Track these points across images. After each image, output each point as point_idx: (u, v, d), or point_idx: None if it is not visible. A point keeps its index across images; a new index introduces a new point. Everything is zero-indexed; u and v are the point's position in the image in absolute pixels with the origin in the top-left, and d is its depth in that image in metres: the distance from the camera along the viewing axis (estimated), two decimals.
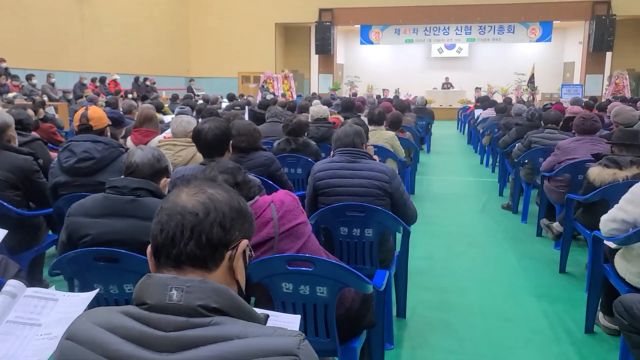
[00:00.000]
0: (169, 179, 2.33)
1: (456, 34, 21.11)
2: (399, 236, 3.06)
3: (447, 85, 21.53)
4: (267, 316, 1.05)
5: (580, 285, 3.90)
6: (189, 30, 21.71)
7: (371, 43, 21.89)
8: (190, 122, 3.81)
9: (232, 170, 1.79)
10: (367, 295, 2.18)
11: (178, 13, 21.09)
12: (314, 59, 22.07)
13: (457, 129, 16.34)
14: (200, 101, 10.10)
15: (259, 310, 1.04)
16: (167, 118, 6.85)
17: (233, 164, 1.84)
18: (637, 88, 19.31)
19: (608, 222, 2.78)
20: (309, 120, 5.17)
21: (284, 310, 1.98)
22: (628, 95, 16.65)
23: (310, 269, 1.91)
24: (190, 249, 0.99)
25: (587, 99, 11.20)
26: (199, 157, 3.22)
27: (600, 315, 3.19)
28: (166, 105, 9.37)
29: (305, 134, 4.58)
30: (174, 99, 11.37)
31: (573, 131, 4.76)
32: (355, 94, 16.39)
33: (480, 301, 3.65)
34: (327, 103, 7.71)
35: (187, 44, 21.75)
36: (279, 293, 1.97)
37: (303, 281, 1.94)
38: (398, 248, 3.14)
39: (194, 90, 17.49)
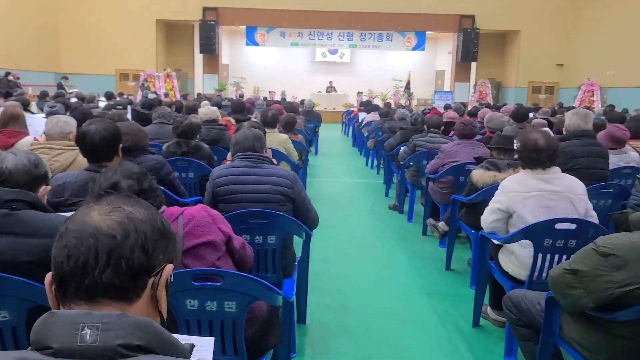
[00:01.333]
0: (48, 187, 2.06)
1: (339, 39, 21.74)
2: (297, 241, 3.03)
3: (331, 89, 22.08)
4: (193, 346, 0.94)
5: (464, 281, 4.15)
6: (58, 21, 19.96)
7: (257, 45, 21.78)
8: (68, 122, 3.46)
9: (137, 176, 1.61)
10: (273, 308, 2.11)
11: (47, 2, 19.30)
12: (198, 58, 21.45)
13: (342, 131, 16.81)
14: (74, 99, 9.30)
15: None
16: (35, 118, 6.19)
17: (139, 168, 1.66)
18: (498, 95, 21.32)
19: (487, 216, 3.00)
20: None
21: (188, 330, 1.85)
22: (490, 101, 18.30)
23: (218, 284, 1.79)
24: (106, 277, 0.84)
25: (456, 105, 12.11)
26: (81, 161, 2.93)
27: (487, 308, 3.41)
28: (33, 102, 8.50)
29: (197, 136, 4.38)
30: (43, 96, 10.37)
31: (452, 135, 5.08)
32: (242, 95, 16.18)
33: (375, 302, 3.74)
34: (218, 104, 7.49)
35: (57, 37, 19.98)
36: (183, 311, 1.83)
37: (210, 297, 1.81)
38: (298, 254, 3.11)
39: (65, 87, 16.10)
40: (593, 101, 16.74)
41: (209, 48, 20.13)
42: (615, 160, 4.54)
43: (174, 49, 21.89)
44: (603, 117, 7.42)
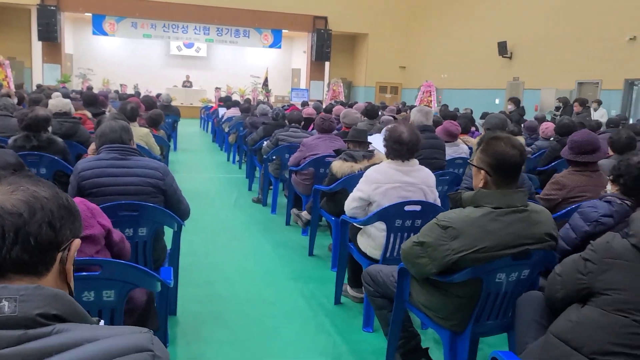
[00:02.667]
0: None
1: (195, 33, 21.29)
2: (167, 234, 3.05)
3: (187, 83, 21.54)
4: (99, 319, 1.00)
5: (326, 264, 4.46)
6: None
7: (105, 34, 20.44)
8: None
9: (14, 167, 1.55)
10: (150, 298, 2.15)
11: None
12: (37, 46, 19.50)
13: (201, 127, 16.54)
14: None
15: None
16: None
17: (15, 158, 1.59)
18: (349, 94, 22.61)
19: (350, 202, 3.29)
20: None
21: None
22: (343, 99, 19.36)
23: (95, 273, 1.80)
24: (15, 254, 0.88)
25: (313, 102, 12.65)
26: None
27: (347, 287, 3.73)
28: None
29: (49, 129, 4.11)
30: None
31: (311, 129, 5.37)
32: (90, 88, 15.10)
33: (244, 290, 3.88)
34: (65, 97, 6.97)
35: None
36: None
37: (87, 287, 1.81)
38: (168, 246, 3.13)
39: None
40: (430, 101, 18.56)
41: (49, 35, 18.44)
42: (450, 151, 5.20)
43: (7, 35, 19.66)
44: (438, 115, 8.34)
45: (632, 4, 12.29)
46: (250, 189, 7.40)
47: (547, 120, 8.70)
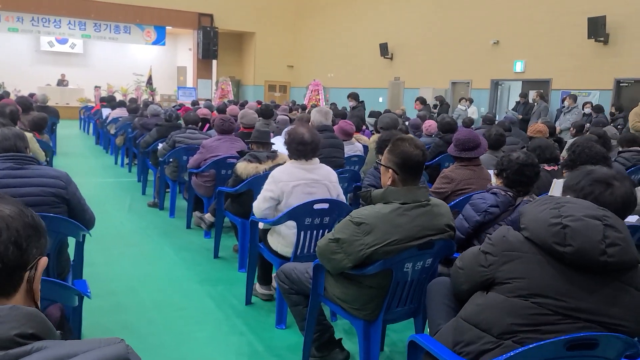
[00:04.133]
0: None
1: (69, 28, 19.82)
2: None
3: (63, 82, 20.03)
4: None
5: (233, 266, 4.47)
6: None
7: None
8: None
9: None
10: (63, 313, 2.06)
11: None
12: None
13: (81, 128, 15.50)
14: None
15: None
16: None
17: None
18: (238, 93, 22.46)
19: (260, 203, 3.35)
20: None
21: None
22: (232, 98, 19.21)
23: None
24: None
25: (204, 101, 12.44)
26: None
27: (257, 286, 3.79)
28: None
29: None
30: None
31: (206, 130, 5.32)
32: None
33: (150, 297, 3.78)
34: None
35: None
36: None
37: None
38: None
39: None
40: (319, 99, 19.06)
41: None
42: (346, 150, 5.44)
43: None
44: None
45: (496, 11, 13.59)
46: (144, 193, 7.13)
47: (428, 118, 9.36)
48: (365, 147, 5.88)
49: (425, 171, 5.90)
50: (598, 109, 10.34)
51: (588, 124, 8.82)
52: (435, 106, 13.72)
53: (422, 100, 12.08)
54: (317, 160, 3.37)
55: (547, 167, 3.77)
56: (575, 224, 1.56)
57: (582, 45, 11.47)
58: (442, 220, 2.45)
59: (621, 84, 11.30)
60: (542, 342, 1.46)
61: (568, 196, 1.79)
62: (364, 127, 7.86)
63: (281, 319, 3.38)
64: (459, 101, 13.61)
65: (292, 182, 3.25)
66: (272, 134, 4.71)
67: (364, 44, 18.09)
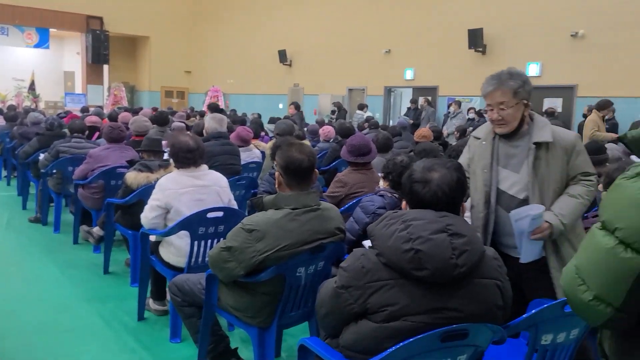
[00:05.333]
0: None
1: None
2: None
3: None
4: None
5: (125, 281, 4.26)
6: None
7: None
8: None
9: None
10: None
11: None
12: None
13: None
14: None
15: None
16: None
17: None
18: (133, 99, 21.50)
19: (147, 213, 3.23)
20: None
21: None
22: (126, 104, 18.35)
23: None
24: None
25: (93, 108, 11.76)
26: None
27: (150, 301, 3.64)
28: None
29: None
30: None
31: (96, 138, 5.04)
32: None
33: (34, 319, 3.50)
34: None
35: None
36: None
37: None
38: None
39: None
40: (219, 105, 18.76)
41: None
42: (243, 156, 5.41)
43: None
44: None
45: (387, 22, 14.23)
46: (25, 207, 6.59)
47: (326, 124, 9.58)
48: (264, 154, 5.87)
49: (322, 175, 6.05)
50: (480, 113, 11.17)
51: (471, 128, 9.48)
52: (333, 112, 14.06)
53: (296, 106, 12.30)
54: (205, 166, 3.33)
55: None
56: (425, 246, 1.58)
57: (464, 55, 12.34)
58: (332, 223, 2.51)
59: None
60: (419, 336, 1.54)
61: (409, 210, 1.76)
62: (262, 133, 7.86)
63: (176, 333, 3.28)
64: (362, 108, 14.06)
65: (179, 189, 3.18)
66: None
67: (263, 50, 18.12)
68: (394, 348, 1.55)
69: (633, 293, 1.03)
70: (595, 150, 3.89)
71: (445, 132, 10.40)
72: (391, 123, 13.04)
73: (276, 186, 2.50)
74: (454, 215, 1.71)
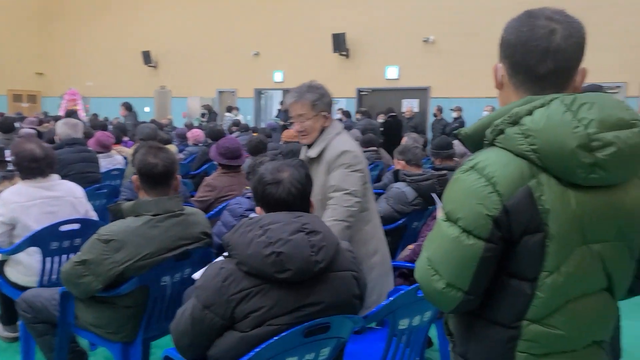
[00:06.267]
0: None
1: None
2: None
3: None
4: None
5: None
6: None
7: None
8: None
9: None
10: None
11: None
12: None
13: None
14: None
15: None
16: None
17: None
18: None
19: None
20: None
21: None
22: None
23: None
24: None
25: None
26: None
27: (0, 327, 3.27)
28: None
29: None
30: None
31: None
32: None
33: None
34: None
35: None
36: None
37: None
38: None
39: None
40: (77, 110, 17.42)
41: None
42: (104, 163, 5.09)
43: None
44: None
45: (255, 24, 14.27)
46: None
47: (196, 127, 9.36)
48: (127, 159, 5.57)
49: (191, 180, 5.89)
50: (348, 114, 11.67)
51: None
52: (203, 115, 13.77)
53: (127, 107, 11.85)
54: (55, 176, 3.06)
55: None
56: (286, 247, 1.59)
57: (330, 58, 12.80)
58: (197, 228, 2.45)
59: (362, 93, 12.93)
60: (282, 334, 1.56)
61: (264, 214, 1.76)
62: (125, 138, 7.45)
63: (29, 355, 2.98)
64: (230, 110, 13.90)
65: (26, 202, 2.89)
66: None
67: (126, 51, 17.19)
68: (258, 348, 1.56)
69: (478, 276, 1.13)
70: (444, 145, 4.24)
71: None
72: (263, 125, 13.11)
73: (136, 191, 2.39)
74: (308, 213, 1.76)
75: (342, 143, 2.55)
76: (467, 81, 10.64)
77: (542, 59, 1.13)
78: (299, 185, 1.77)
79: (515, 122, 1.11)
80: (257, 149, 4.94)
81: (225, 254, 1.73)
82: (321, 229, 1.70)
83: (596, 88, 2.60)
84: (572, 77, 1.17)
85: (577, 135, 1.05)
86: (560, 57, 1.13)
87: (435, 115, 10.86)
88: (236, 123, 10.42)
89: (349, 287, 1.75)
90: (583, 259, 1.12)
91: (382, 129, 10.88)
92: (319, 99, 2.53)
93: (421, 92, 11.88)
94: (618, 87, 9.21)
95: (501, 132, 1.13)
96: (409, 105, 11.62)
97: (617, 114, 1.08)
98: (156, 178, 2.32)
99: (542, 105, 1.10)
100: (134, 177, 2.38)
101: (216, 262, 1.74)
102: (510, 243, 1.11)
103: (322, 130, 2.58)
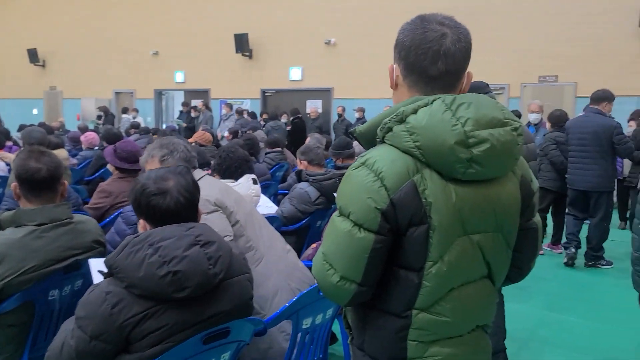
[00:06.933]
0: None
1: None
2: None
3: None
4: None
5: None
6: None
7: None
8: None
9: None
10: None
11: None
12: None
13: None
14: None
15: None
16: None
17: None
18: None
19: None
20: None
21: None
22: None
23: None
24: None
25: None
26: None
27: None
28: None
29: None
30: None
31: None
32: None
33: None
34: None
35: None
36: None
37: None
38: None
39: None
40: None
41: None
42: None
43: None
44: None
45: (154, 22, 13.75)
46: None
47: (91, 130, 8.83)
48: (9, 165, 5.13)
49: (85, 186, 5.54)
50: (253, 115, 11.60)
51: (245, 129, 9.75)
52: (99, 117, 13.03)
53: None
54: None
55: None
56: (182, 265, 1.51)
57: (233, 59, 12.65)
58: (88, 237, 2.30)
59: (266, 94, 12.92)
60: (182, 344, 1.51)
61: (152, 230, 1.62)
62: (10, 143, 6.85)
63: None
64: (125, 112, 13.27)
65: None
66: None
67: (9, 48, 15.84)
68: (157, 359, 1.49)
69: (369, 267, 1.16)
70: (344, 145, 4.36)
71: (219, 134, 10.52)
72: (164, 127, 12.66)
73: (16, 200, 2.20)
74: (198, 223, 1.69)
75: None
76: (368, 82, 10.96)
77: (434, 61, 1.19)
78: (187, 193, 1.67)
79: (401, 121, 1.16)
80: None
81: (104, 271, 1.60)
82: (215, 238, 1.64)
83: (484, 85, 2.78)
84: (460, 80, 1.24)
85: (455, 133, 1.12)
86: (450, 60, 1.19)
87: (339, 115, 11.10)
88: (135, 125, 9.98)
89: (245, 291, 1.72)
90: (464, 248, 1.19)
91: (289, 129, 10.95)
92: (168, 155, 2.52)
93: (324, 93, 12.09)
94: (502, 88, 9.94)
95: (390, 130, 1.18)
96: (313, 106, 11.78)
97: (491, 113, 1.17)
98: (40, 184, 2.15)
99: (425, 105, 1.16)
100: (13, 184, 2.19)
101: (98, 285, 1.57)
102: (398, 235, 1.16)
103: None
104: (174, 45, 13.47)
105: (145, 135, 8.63)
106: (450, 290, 1.20)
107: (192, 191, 1.71)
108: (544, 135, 5.83)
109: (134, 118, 12.64)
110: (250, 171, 3.48)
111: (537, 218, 1.38)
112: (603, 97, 5.00)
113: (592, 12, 9.36)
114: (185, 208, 1.67)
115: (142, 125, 10.74)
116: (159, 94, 14.36)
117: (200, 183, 1.85)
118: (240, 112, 11.44)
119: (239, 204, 2.54)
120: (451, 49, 1.18)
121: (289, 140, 10.45)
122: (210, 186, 2.48)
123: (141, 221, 1.72)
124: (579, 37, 9.43)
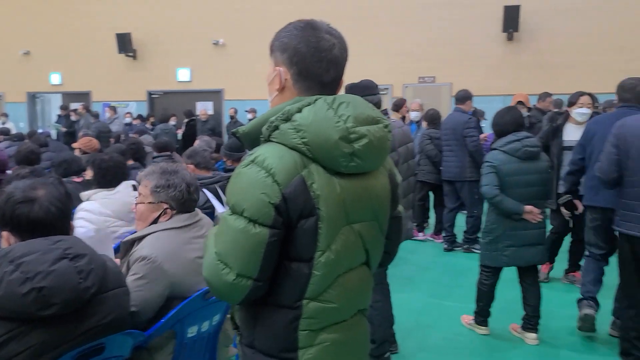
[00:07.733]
0: None
1: None
2: None
3: None
4: None
5: None
6: None
7: None
8: None
9: None
10: None
11: None
12: None
13: None
14: None
15: None
16: None
17: None
18: None
19: None
20: None
21: None
22: None
23: None
24: None
25: None
26: None
27: None
28: None
29: None
30: None
31: None
32: None
33: None
34: None
35: None
36: None
37: None
38: None
39: None
40: None
41: None
42: None
43: None
44: None
45: (24, 21, 12.66)
46: None
47: None
48: None
49: None
50: (142, 118, 11.11)
51: (132, 133, 9.30)
52: None
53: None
54: None
55: (75, 179, 3.84)
56: (48, 280, 1.43)
57: (115, 60, 12.03)
58: None
59: (153, 95, 12.45)
60: None
61: (14, 245, 1.53)
62: None
63: None
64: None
65: None
66: None
67: None
68: None
69: (265, 261, 1.20)
70: (235, 147, 4.34)
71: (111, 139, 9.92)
72: (40, 132, 11.72)
73: None
74: (68, 236, 1.61)
75: (149, 245, 2.00)
76: (259, 83, 10.86)
77: (328, 68, 1.28)
78: (59, 203, 1.59)
79: (287, 119, 1.22)
80: (28, 159, 4.41)
81: None
82: (86, 251, 1.56)
83: (373, 85, 3.05)
84: (340, 85, 1.35)
85: (339, 129, 1.21)
86: (340, 68, 1.30)
87: (231, 117, 10.98)
88: (5, 131, 9.13)
89: (122, 304, 1.66)
90: (348, 237, 1.27)
91: (180, 132, 10.63)
92: (163, 188, 2.08)
93: (215, 95, 11.89)
94: (386, 88, 10.43)
95: (276, 128, 1.23)
96: (203, 108, 11.54)
97: (366, 112, 1.27)
98: None
99: (309, 104, 1.23)
100: None
101: None
102: (290, 228, 1.21)
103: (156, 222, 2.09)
104: (48, 45, 12.52)
105: (18, 142, 7.92)
106: (336, 278, 1.27)
107: (65, 202, 1.63)
108: (421, 132, 6.40)
109: (3, 123, 11.56)
110: (128, 177, 3.33)
111: (401, 207, 1.53)
112: (466, 97, 5.80)
113: (463, 18, 10.15)
114: (56, 218, 1.59)
115: (14, 131, 9.83)
116: (32, 97, 13.27)
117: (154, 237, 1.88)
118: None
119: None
120: (339, 58, 1.29)
121: (181, 143, 10.15)
122: (155, 245, 2.02)
123: (5, 234, 1.60)
124: (453, 41, 10.18)
